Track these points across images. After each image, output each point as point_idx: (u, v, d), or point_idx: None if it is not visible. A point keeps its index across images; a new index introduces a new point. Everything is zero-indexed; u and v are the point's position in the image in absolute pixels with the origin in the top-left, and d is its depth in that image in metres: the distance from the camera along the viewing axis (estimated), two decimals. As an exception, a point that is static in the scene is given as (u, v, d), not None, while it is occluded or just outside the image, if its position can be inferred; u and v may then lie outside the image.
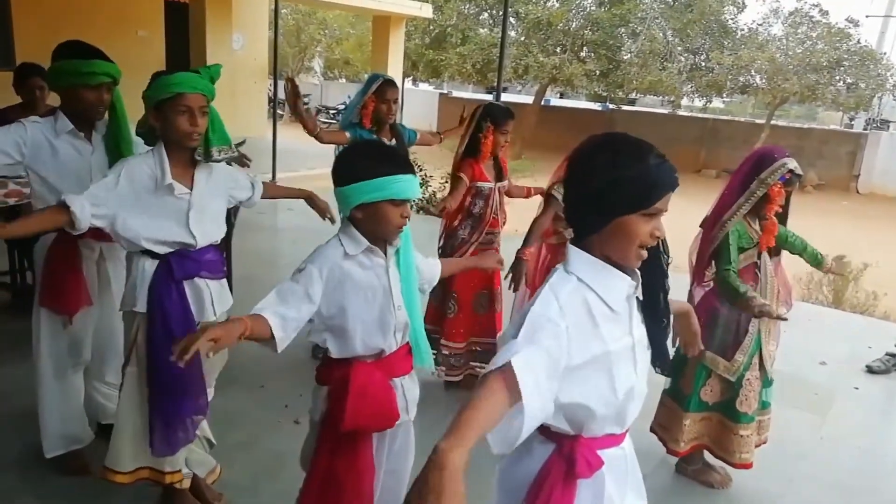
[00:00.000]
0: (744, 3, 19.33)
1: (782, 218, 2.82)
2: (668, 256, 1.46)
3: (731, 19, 19.39)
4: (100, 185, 2.15)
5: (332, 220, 2.51)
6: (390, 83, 3.66)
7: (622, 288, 1.37)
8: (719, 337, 2.83)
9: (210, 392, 2.60)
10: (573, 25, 18.83)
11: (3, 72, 8.76)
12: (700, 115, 23.56)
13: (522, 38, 19.24)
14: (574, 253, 1.38)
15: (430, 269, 2.09)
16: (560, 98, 32.19)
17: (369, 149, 1.86)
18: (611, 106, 22.65)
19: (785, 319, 2.69)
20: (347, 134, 3.61)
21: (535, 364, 1.19)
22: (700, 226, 2.91)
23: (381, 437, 1.94)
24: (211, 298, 2.34)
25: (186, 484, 2.46)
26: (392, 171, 1.76)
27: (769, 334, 2.86)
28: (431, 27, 19.95)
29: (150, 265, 2.23)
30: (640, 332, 1.41)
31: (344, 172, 1.79)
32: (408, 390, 1.97)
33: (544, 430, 1.39)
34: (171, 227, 2.22)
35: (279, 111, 25.07)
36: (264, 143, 9.82)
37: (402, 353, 1.94)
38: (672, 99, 20.80)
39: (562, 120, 21.49)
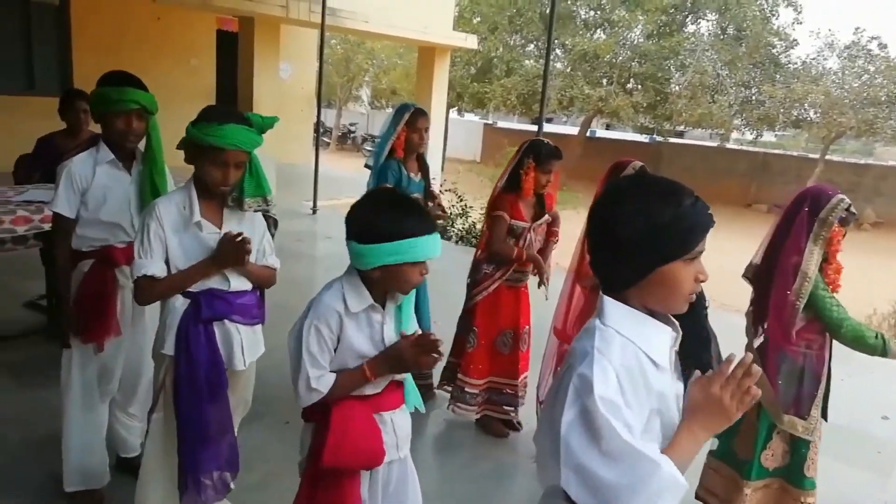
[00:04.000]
0: (794, 40, 18.95)
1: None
2: (707, 301, 1.33)
3: (783, 53, 19.01)
4: (153, 238, 2.07)
5: None
6: (421, 112, 3.60)
7: (665, 341, 1.25)
8: (795, 395, 2.55)
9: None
10: (620, 57, 18.71)
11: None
12: (750, 149, 23.06)
13: (569, 70, 19.20)
14: (610, 305, 1.25)
15: None
16: (606, 129, 32.03)
17: (391, 203, 1.71)
18: (658, 138, 22.36)
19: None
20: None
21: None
22: (744, 276, 2.67)
23: (374, 477, 1.81)
24: (241, 345, 2.21)
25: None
26: (417, 232, 1.65)
27: None
28: (476, 58, 20.07)
29: (180, 304, 2.13)
30: (680, 386, 1.27)
31: (363, 229, 1.67)
32: (398, 426, 1.84)
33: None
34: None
35: (325, 139, 25.75)
36: (308, 171, 9.89)
37: (391, 387, 1.82)
38: (721, 132, 20.43)
39: (607, 151, 21.28)
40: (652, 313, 1.24)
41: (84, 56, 10.05)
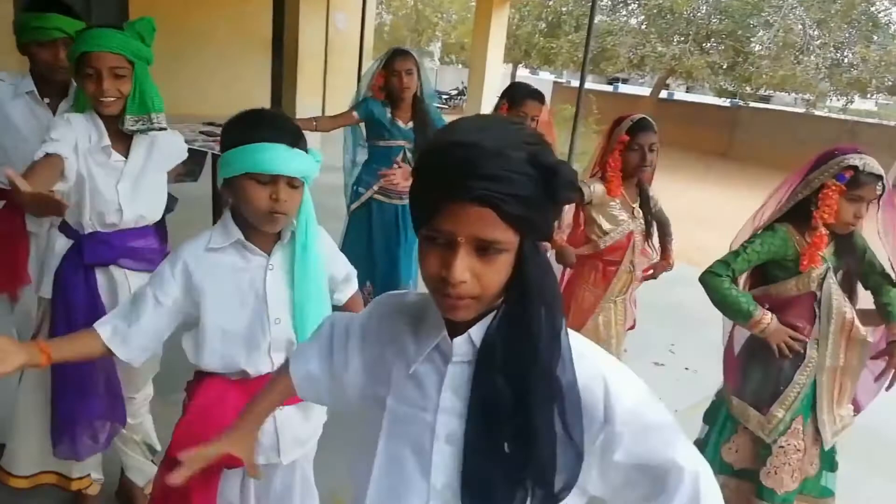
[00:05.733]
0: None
1: (843, 244, 2.14)
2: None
3: (884, 12, 17.33)
4: (63, 130, 1.89)
5: None
6: (400, 53, 3.35)
7: (423, 341, 0.94)
8: (755, 383, 2.23)
9: (146, 392, 2.33)
10: (699, 13, 17.52)
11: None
12: (839, 117, 21.38)
13: (643, 26, 18.16)
14: None
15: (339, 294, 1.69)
16: (686, 92, 30.45)
17: (246, 114, 1.50)
18: (740, 102, 21.00)
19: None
20: (355, 113, 3.34)
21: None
22: None
23: (246, 479, 1.56)
24: (130, 292, 2.02)
25: (95, 490, 2.24)
26: (258, 139, 1.39)
27: (838, 391, 2.20)
28: (546, 13, 19.26)
29: (61, 246, 1.99)
30: (451, 426, 0.91)
31: (221, 141, 1.49)
32: (285, 426, 1.56)
33: None
34: (99, 197, 1.95)
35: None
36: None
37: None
38: (807, 97, 18.97)
39: (680, 115, 20.16)
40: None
41: (140, 5, 10.12)
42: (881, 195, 2.06)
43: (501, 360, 0.86)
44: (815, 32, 16.58)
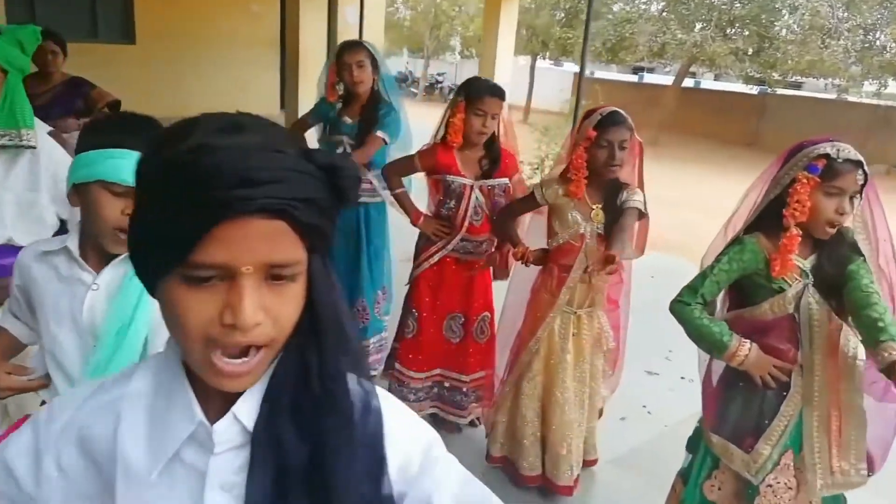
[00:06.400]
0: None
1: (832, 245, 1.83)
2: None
3: (918, -11, 16.56)
4: None
5: None
6: (350, 44, 3.11)
7: (179, 429, 0.68)
8: (736, 416, 1.96)
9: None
10: (722, -2, 16.94)
11: (127, 45, 9.07)
12: (871, 102, 20.57)
13: (664, 13, 17.62)
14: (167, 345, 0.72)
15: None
16: (715, 80, 29.69)
17: (113, 116, 1.32)
18: (768, 90, 20.32)
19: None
20: (309, 120, 3.19)
21: None
22: None
23: None
24: None
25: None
26: (116, 144, 1.22)
27: (837, 436, 1.85)
28: (563, 3, 18.85)
29: None
30: None
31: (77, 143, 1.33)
32: None
33: None
34: None
35: (413, 90, 25.33)
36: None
37: None
38: (838, 83, 18.26)
39: (706, 103, 19.64)
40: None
41: (145, 4, 10.02)
42: (864, 186, 1.78)
43: (290, 424, 0.65)
44: (844, 14, 15.90)
